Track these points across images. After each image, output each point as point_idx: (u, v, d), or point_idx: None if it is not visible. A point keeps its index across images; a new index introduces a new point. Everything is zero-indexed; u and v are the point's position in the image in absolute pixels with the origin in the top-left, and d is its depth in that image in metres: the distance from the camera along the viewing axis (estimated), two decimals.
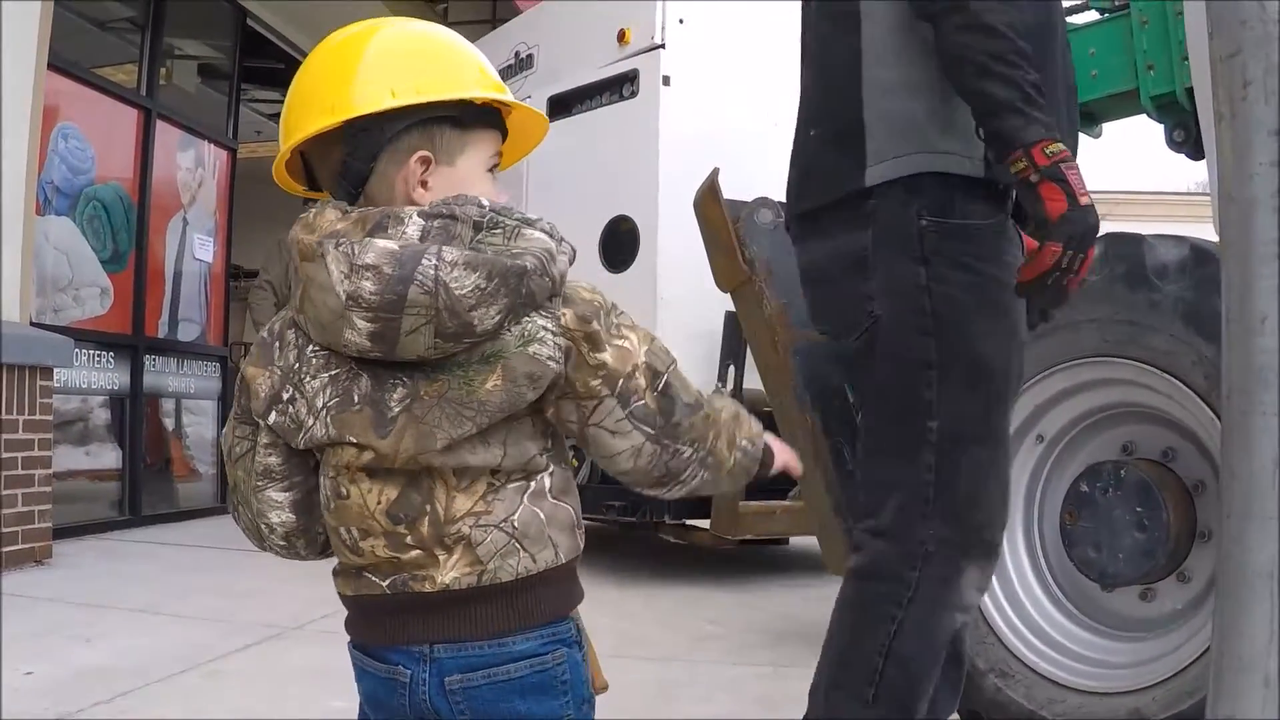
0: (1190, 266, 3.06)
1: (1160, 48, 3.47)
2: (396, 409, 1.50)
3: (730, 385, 5.86)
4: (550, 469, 1.57)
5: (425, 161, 1.59)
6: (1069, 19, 3.52)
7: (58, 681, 3.85)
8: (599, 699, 1.71)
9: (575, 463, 1.71)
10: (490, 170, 1.68)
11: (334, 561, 1.67)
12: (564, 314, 1.51)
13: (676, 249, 6.13)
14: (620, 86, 6.78)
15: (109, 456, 8.18)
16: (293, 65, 10.28)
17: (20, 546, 6.07)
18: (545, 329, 1.49)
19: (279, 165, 1.68)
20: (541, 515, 1.54)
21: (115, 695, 3.70)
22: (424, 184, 1.59)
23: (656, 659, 4.52)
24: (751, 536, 6.35)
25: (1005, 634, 3.40)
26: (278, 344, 1.61)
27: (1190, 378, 3.03)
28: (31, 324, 6.60)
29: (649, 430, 1.56)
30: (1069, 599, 3.45)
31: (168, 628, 4.78)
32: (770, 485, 5.96)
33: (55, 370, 6.58)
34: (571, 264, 1.56)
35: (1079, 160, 2.25)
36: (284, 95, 1.67)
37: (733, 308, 4.83)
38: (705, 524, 6.18)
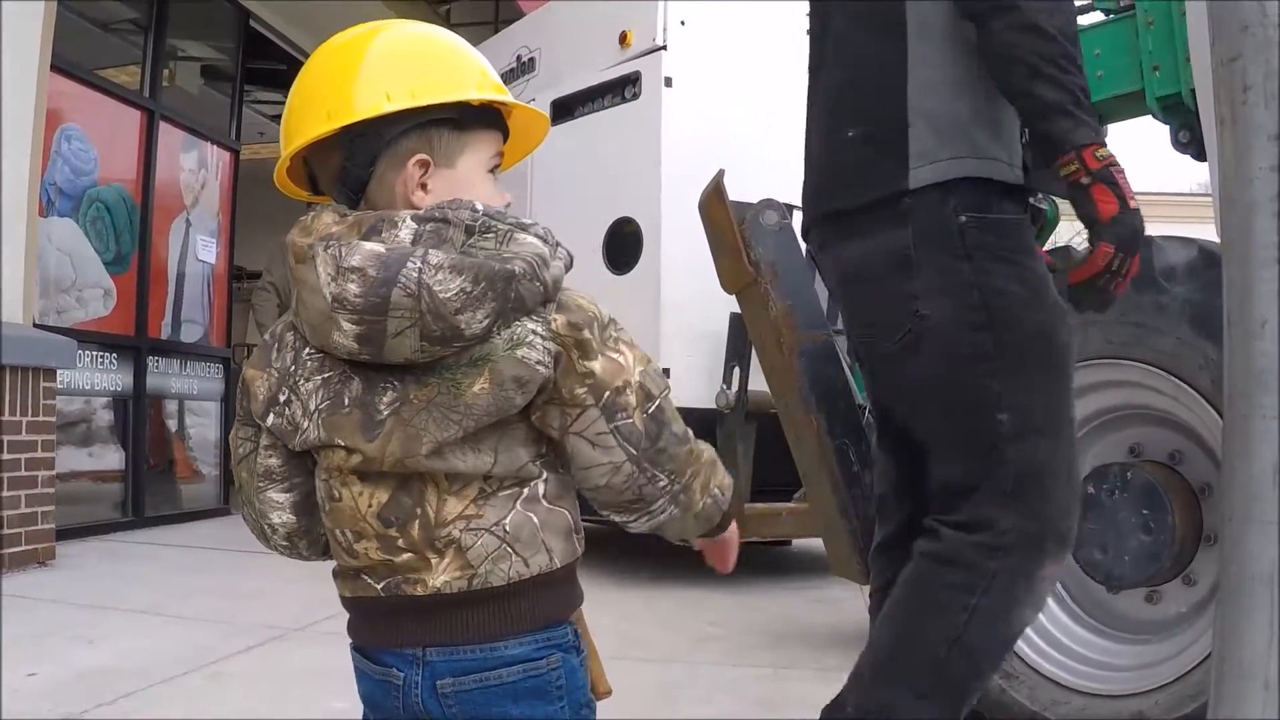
0: (1198, 269, 3.05)
1: (1165, 49, 3.46)
2: (385, 412, 1.50)
3: (735, 387, 5.86)
4: (544, 475, 1.56)
5: (424, 164, 1.59)
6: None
7: (60, 683, 3.85)
8: (602, 702, 1.71)
9: None
10: (492, 171, 1.68)
11: (336, 563, 1.67)
12: (555, 319, 1.50)
13: (680, 250, 6.13)
14: (622, 89, 6.78)
15: (112, 458, 8.18)
16: (295, 66, 10.28)
17: (23, 548, 6.07)
18: (535, 333, 1.48)
19: (280, 171, 1.68)
20: (535, 519, 1.54)
21: (118, 696, 3.70)
22: (423, 187, 1.59)
23: (657, 660, 4.52)
24: (756, 538, 6.35)
25: None
26: (276, 346, 1.62)
27: (1197, 380, 3.03)
28: (35, 325, 6.61)
29: (632, 450, 1.54)
30: (1074, 600, 3.45)
31: (170, 629, 4.78)
32: (775, 485, 6.00)
33: (58, 371, 6.59)
34: (568, 269, 1.55)
35: None
36: (286, 96, 1.67)
37: (737, 309, 4.82)
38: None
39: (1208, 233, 3.09)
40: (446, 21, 11.53)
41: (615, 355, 1.53)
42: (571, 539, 1.59)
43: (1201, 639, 3.02)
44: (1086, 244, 2.25)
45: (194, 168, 9.19)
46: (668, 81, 6.49)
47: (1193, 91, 3.41)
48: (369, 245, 1.47)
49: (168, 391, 8.92)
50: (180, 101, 9.24)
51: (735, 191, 4.44)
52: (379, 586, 1.56)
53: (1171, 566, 3.19)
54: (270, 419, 1.60)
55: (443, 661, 1.53)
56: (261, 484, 1.67)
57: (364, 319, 1.44)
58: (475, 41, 1.76)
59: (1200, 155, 3.52)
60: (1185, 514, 3.17)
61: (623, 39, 6.78)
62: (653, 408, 1.55)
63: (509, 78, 7.51)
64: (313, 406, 1.54)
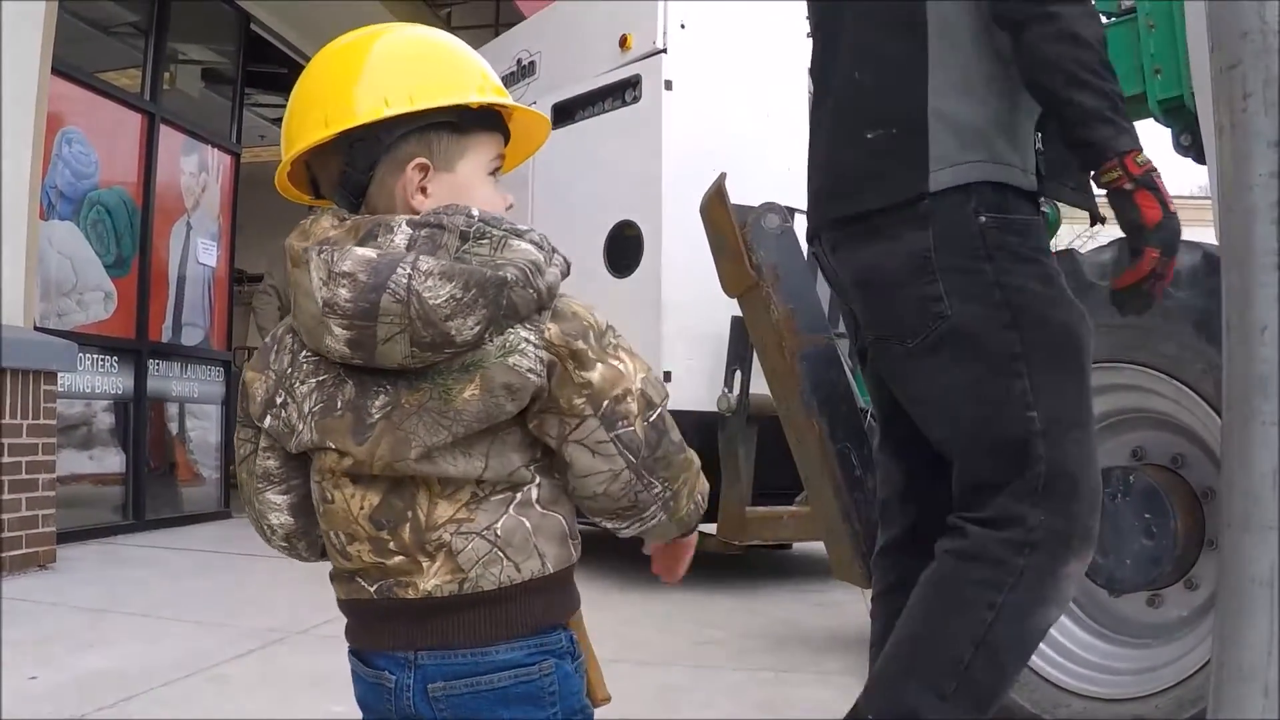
0: (1201, 273, 3.05)
1: (1167, 52, 3.47)
2: (376, 416, 1.50)
3: (736, 390, 5.86)
4: (537, 480, 1.55)
5: (423, 168, 1.59)
6: None
7: (61, 686, 3.84)
8: (601, 706, 1.71)
9: None
10: (493, 174, 1.67)
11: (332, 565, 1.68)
12: (548, 328, 1.50)
13: (681, 253, 6.13)
14: (623, 92, 6.78)
15: (112, 461, 8.18)
16: (296, 70, 10.26)
17: (24, 551, 6.07)
18: (527, 340, 1.48)
19: (281, 176, 1.68)
20: (527, 524, 1.53)
21: (119, 700, 3.69)
22: (423, 190, 1.59)
23: (657, 664, 4.51)
24: (759, 542, 6.36)
25: None
26: (276, 348, 1.62)
27: (1199, 385, 3.02)
28: (35, 328, 6.61)
29: (631, 458, 1.54)
30: (1076, 603, 3.44)
31: (171, 632, 4.77)
32: (777, 489, 6.00)
33: (59, 375, 6.58)
34: (565, 276, 1.55)
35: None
36: (287, 99, 1.67)
37: (738, 312, 4.82)
38: (712, 529, 6.17)
39: (1209, 236, 3.09)
40: (447, 24, 11.53)
41: (615, 363, 1.53)
42: (566, 544, 1.58)
43: (1203, 643, 3.01)
44: (1120, 249, 2.28)
45: (195, 171, 9.19)
46: (668, 85, 6.48)
47: (1194, 95, 3.41)
48: (360, 250, 1.47)
49: (168, 394, 8.91)
50: (181, 104, 9.24)
51: (736, 194, 4.44)
52: (371, 589, 1.56)
53: (1173, 570, 3.18)
54: (267, 421, 1.61)
55: (434, 665, 1.53)
56: (260, 485, 1.68)
57: (354, 324, 1.45)
58: (476, 44, 1.76)
59: (1201, 158, 3.52)
60: (1187, 518, 3.16)
61: (623, 42, 6.79)
62: (654, 416, 1.55)
63: (509, 81, 7.52)
64: (307, 409, 1.55)
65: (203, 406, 9.42)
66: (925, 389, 2.48)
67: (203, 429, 9.47)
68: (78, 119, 7.61)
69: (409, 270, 1.43)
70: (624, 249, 6.60)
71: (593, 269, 6.47)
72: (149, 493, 8.36)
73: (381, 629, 1.57)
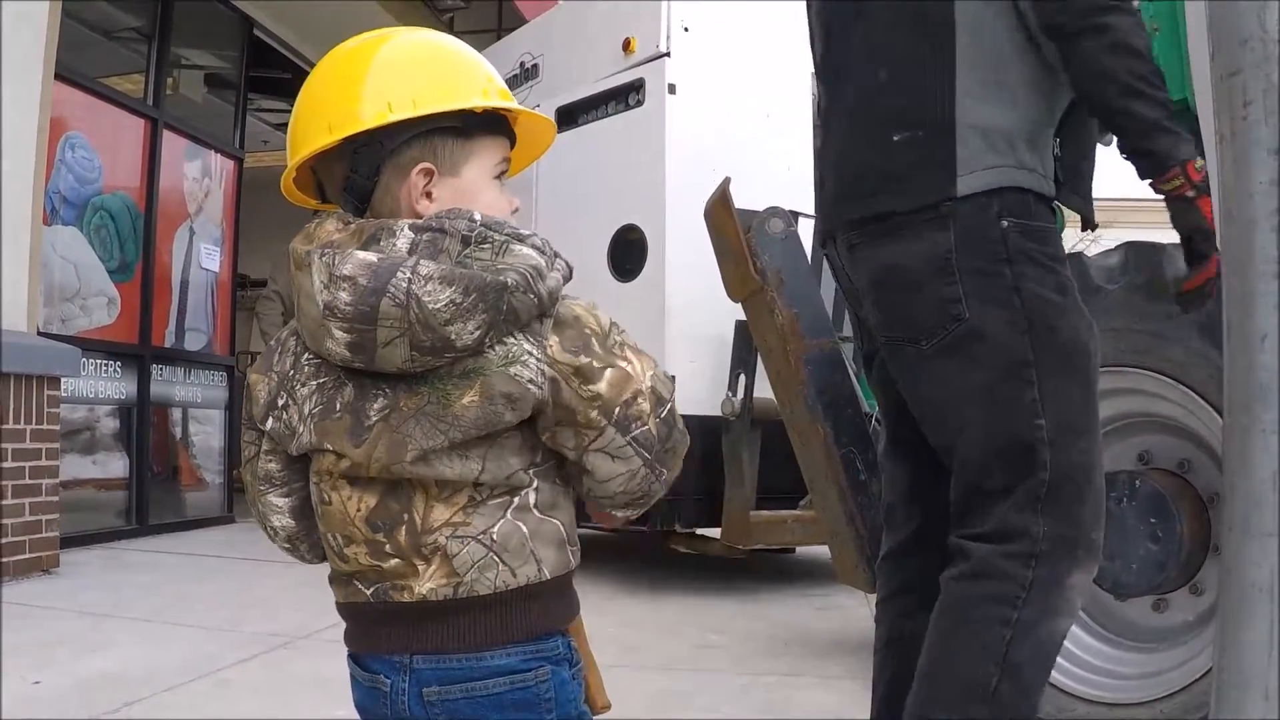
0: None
1: (1171, 55, 3.46)
2: (374, 418, 1.50)
3: (740, 394, 5.86)
4: (535, 484, 1.55)
5: (428, 173, 1.58)
6: None
7: (64, 691, 3.84)
8: (601, 715, 1.71)
9: None
10: (498, 178, 1.67)
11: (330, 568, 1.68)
12: (550, 343, 1.50)
13: (685, 257, 6.12)
14: (626, 95, 6.77)
15: (116, 465, 8.18)
16: (299, 74, 10.30)
17: (27, 556, 6.07)
18: (529, 353, 1.48)
19: (286, 180, 1.68)
20: (524, 529, 1.53)
21: (122, 704, 3.69)
22: (428, 195, 1.59)
23: (659, 668, 4.51)
24: (762, 546, 6.36)
25: None
26: (279, 350, 1.63)
27: (1206, 390, 3.02)
28: (39, 334, 6.61)
29: (646, 455, 1.55)
30: (1082, 608, 3.43)
31: (174, 637, 4.77)
32: (781, 493, 6.00)
33: (62, 380, 6.59)
34: (567, 280, 1.54)
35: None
36: (290, 104, 1.67)
37: (742, 316, 4.82)
38: (716, 534, 6.17)
39: None
40: (450, 29, 11.52)
41: (623, 364, 1.53)
42: (564, 550, 1.58)
43: (1208, 649, 3.01)
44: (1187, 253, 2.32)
45: (198, 176, 9.21)
46: (671, 88, 6.48)
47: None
48: (361, 254, 1.47)
49: (172, 399, 8.93)
50: (184, 110, 9.25)
51: (740, 198, 4.45)
52: (368, 592, 1.57)
53: (1179, 575, 3.18)
54: (269, 423, 1.61)
55: (429, 669, 1.53)
56: (262, 488, 1.68)
57: (354, 327, 1.45)
58: (479, 49, 1.75)
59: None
60: (1193, 523, 3.15)
61: (626, 45, 6.78)
62: (664, 412, 1.56)
63: (513, 84, 7.51)
64: (307, 411, 1.55)
65: (206, 411, 9.43)
66: (936, 390, 2.46)
67: (206, 434, 9.47)
68: (81, 124, 7.62)
69: (409, 274, 1.43)
70: (628, 253, 6.59)
71: (596, 273, 6.47)
72: (152, 497, 8.37)
73: (378, 632, 1.57)
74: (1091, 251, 3.52)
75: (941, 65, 2.36)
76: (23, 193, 6.22)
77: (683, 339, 6.18)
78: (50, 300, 7.29)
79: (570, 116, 7.02)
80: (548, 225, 6.40)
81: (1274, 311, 1.19)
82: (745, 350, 5.77)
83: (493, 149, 1.66)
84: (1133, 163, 2.30)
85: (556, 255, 1.53)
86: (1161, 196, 2.29)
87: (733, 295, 4.54)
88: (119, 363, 8.04)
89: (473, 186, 1.62)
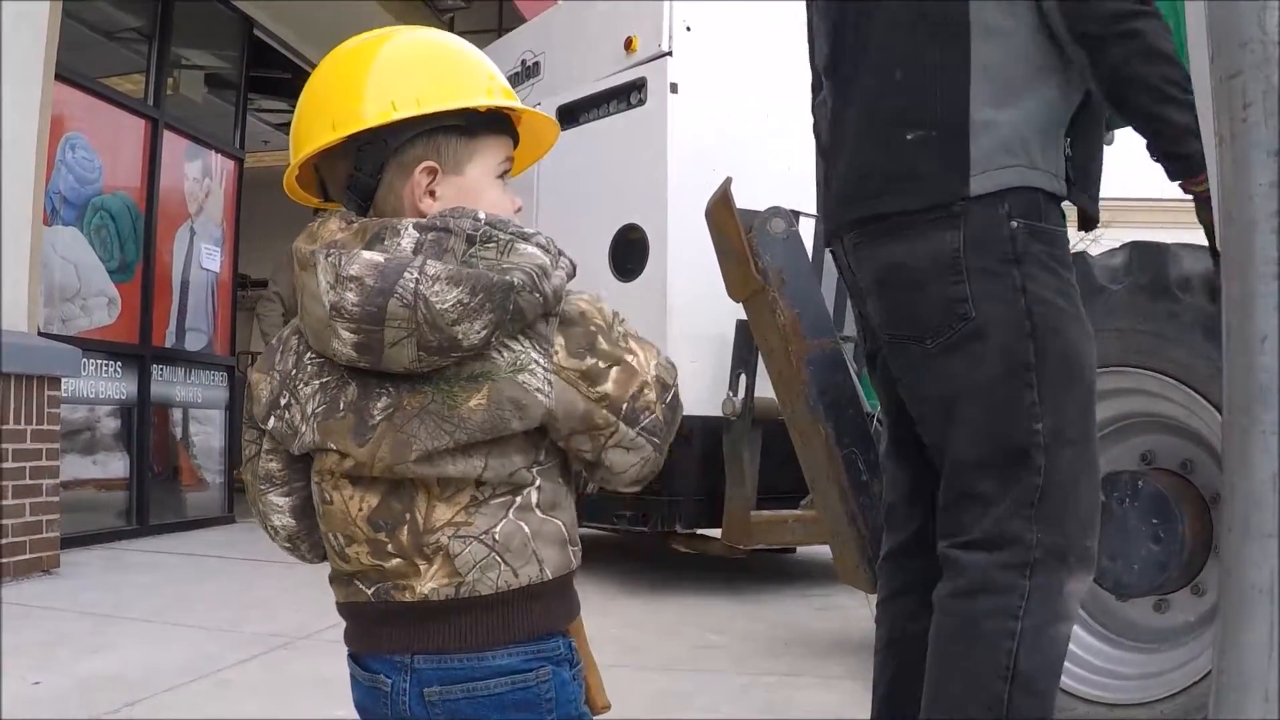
0: (1213, 279, 3.05)
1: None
2: (378, 418, 1.50)
3: (741, 394, 5.86)
4: (537, 483, 1.55)
5: (431, 172, 1.59)
6: None
7: (65, 691, 3.84)
8: (601, 715, 1.71)
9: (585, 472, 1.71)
10: (501, 177, 1.67)
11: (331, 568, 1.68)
12: (557, 348, 1.51)
13: (686, 257, 6.12)
14: (628, 94, 6.76)
15: (116, 466, 8.18)
16: (299, 75, 10.31)
17: (28, 556, 6.07)
18: (536, 362, 1.49)
19: (289, 178, 1.68)
20: (526, 529, 1.53)
21: (123, 705, 3.70)
22: (432, 194, 1.59)
23: (660, 669, 4.51)
24: (763, 546, 6.36)
25: None
26: (281, 349, 1.63)
27: (1209, 391, 3.01)
28: (39, 334, 6.61)
29: (656, 440, 1.57)
30: (1083, 607, 3.42)
31: (175, 637, 4.77)
32: (781, 493, 6.00)
33: (63, 380, 6.59)
34: (571, 278, 1.55)
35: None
36: (291, 104, 1.68)
37: (743, 315, 4.82)
38: (716, 534, 6.17)
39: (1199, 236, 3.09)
40: (450, 29, 11.53)
41: (629, 358, 1.55)
42: (566, 550, 1.58)
43: (1209, 650, 3.00)
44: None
45: (198, 176, 9.20)
46: (673, 88, 6.46)
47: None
48: (368, 254, 1.47)
49: (172, 400, 8.93)
50: (184, 110, 9.25)
51: (742, 198, 4.44)
52: (369, 591, 1.57)
53: (1180, 576, 3.18)
54: (271, 422, 1.61)
55: (430, 669, 1.53)
56: (263, 487, 1.68)
57: (361, 328, 1.45)
58: (480, 47, 1.75)
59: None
60: (1195, 523, 3.15)
61: (628, 44, 6.76)
62: (669, 397, 1.59)
63: (514, 81, 7.49)
64: (310, 410, 1.55)
65: (206, 411, 9.43)
66: (936, 389, 2.45)
67: (206, 434, 9.47)
68: (81, 125, 7.62)
69: (416, 275, 1.43)
70: (629, 253, 6.58)
71: (597, 272, 6.45)
72: (153, 498, 8.36)
73: (378, 632, 1.57)
74: (1095, 251, 3.52)
75: (955, 65, 2.35)
76: (23, 193, 6.23)
77: (684, 339, 6.16)
78: (51, 300, 7.29)
79: (572, 115, 7.00)
80: (549, 224, 6.37)
81: (1274, 313, 1.19)
82: (746, 350, 5.77)
83: (496, 148, 1.66)
84: (1164, 165, 2.30)
85: (561, 253, 1.54)
86: (1190, 196, 2.31)
87: (734, 295, 4.54)
88: (119, 363, 8.04)
89: (476, 185, 1.62)
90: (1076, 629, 3.38)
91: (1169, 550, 3.13)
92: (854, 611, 5.82)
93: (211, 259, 9.36)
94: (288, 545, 1.73)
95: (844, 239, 2.61)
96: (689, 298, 6.20)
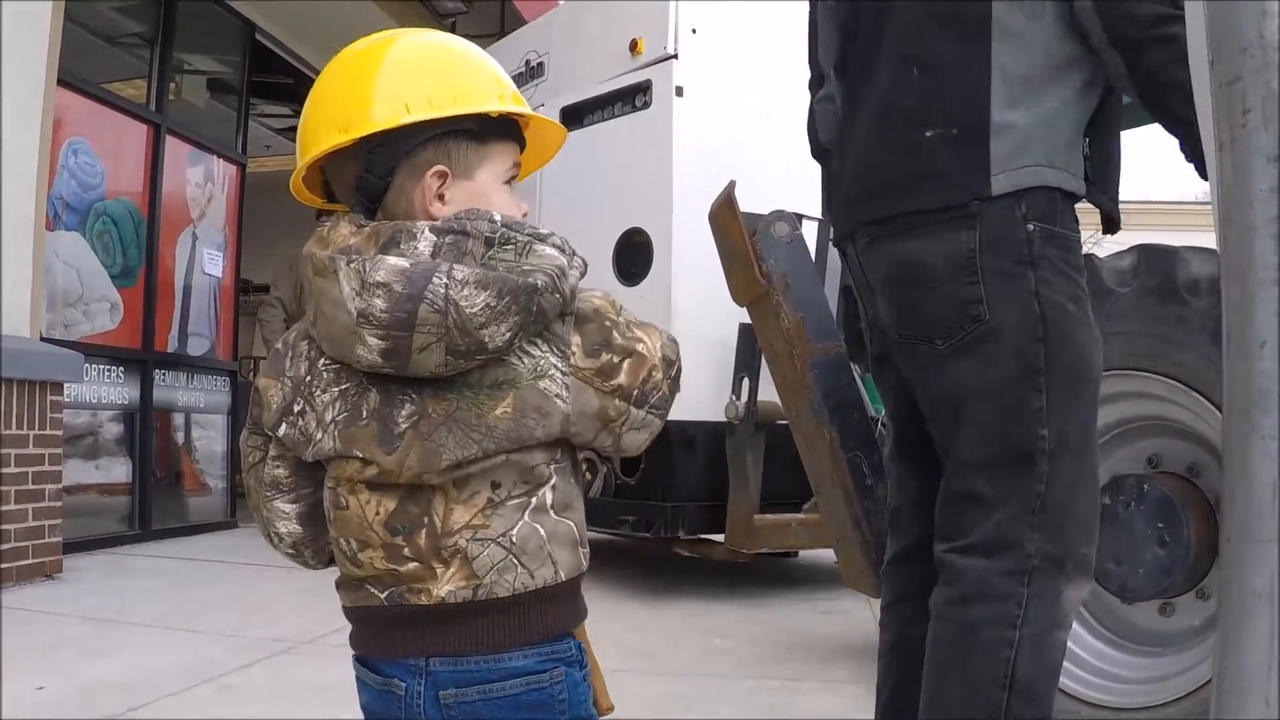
0: (1220, 283, 3.04)
1: None
2: (404, 425, 1.50)
3: (744, 397, 5.85)
4: (553, 482, 1.56)
5: (442, 176, 1.59)
6: None
7: (68, 696, 3.84)
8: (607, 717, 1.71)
9: (589, 476, 1.73)
10: (508, 182, 1.68)
11: (339, 573, 1.67)
12: (574, 349, 1.52)
13: (690, 261, 6.10)
14: (633, 97, 6.74)
15: (119, 471, 8.18)
16: (301, 80, 10.31)
17: (30, 561, 6.07)
18: (555, 367, 1.50)
19: (296, 180, 1.68)
20: (542, 531, 1.54)
21: (126, 710, 3.69)
22: (441, 198, 1.59)
23: (664, 672, 4.50)
24: (767, 550, 6.35)
25: None
26: (290, 354, 1.62)
27: (1215, 395, 2.99)
28: (41, 339, 6.62)
29: (664, 413, 1.62)
30: (1087, 610, 3.41)
31: (178, 642, 4.77)
32: (784, 497, 6.00)
33: (65, 385, 6.59)
34: (583, 277, 1.56)
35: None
36: (293, 109, 1.68)
37: (747, 320, 4.82)
38: (720, 538, 6.17)
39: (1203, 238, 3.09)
40: (452, 32, 11.51)
41: (639, 346, 1.58)
42: (577, 551, 1.59)
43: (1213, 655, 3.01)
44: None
45: (200, 181, 9.20)
46: (679, 90, 6.44)
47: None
48: (392, 260, 1.47)
49: (174, 404, 8.92)
50: (186, 115, 9.25)
51: (747, 202, 4.44)
52: (382, 596, 1.56)
53: (1185, 580, 3.17)
54: (283, 429, 1.60)
55: (446, 672, 1.53)
56: (269, 494, 1.68)
57: (390, 334, 1.44)
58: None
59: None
60: (1201, 527, 3.14)
61: (633, 47, 6.75)
62: (674, 371, 1.63)
63: (518, 81, 7.44)
64: (329, 418, 1.54)
65: (209, 416, 9.42)
66: (947, 389, 2.43)
67: (209, 439, 9.47)
68: (83, 130, 7.62)
69: (445, 279, 1.43)
70: (633, 256, 6.57)
71: (601, 276, 6.43)
72: (155, 503, 8.36)
73: (392, 636, 1.57)
74: (1103, 253, 3.52)
75: (975, 64, 2.34)
76: (25, 198, 6.24)
77: (688, 342, 6.09)
78: (53, 305, 7.29)
79: (576, 117, 6.99)
80: (552, 227, 6.37)
81: (1274, 318, 1.19)
82: (748, 353, 5.77)
83: (505, 153, 1.67)
84: (1195, 166, 2.29)
85: (574, 253, 1.55)
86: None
87: (738, 299, 4.53)
88: (122, 368, 8.04)
89: (485, 190, 1.63)
90: (1081, 632, 3.39)
91: (1174, 554, 3.13)
92: (857, 616, 5.81)
93: (214, 264, 9.36)
94: (291, 552, 1.73)
95: (856, 238, 2.58)
96: (693, 301, 6.19)
